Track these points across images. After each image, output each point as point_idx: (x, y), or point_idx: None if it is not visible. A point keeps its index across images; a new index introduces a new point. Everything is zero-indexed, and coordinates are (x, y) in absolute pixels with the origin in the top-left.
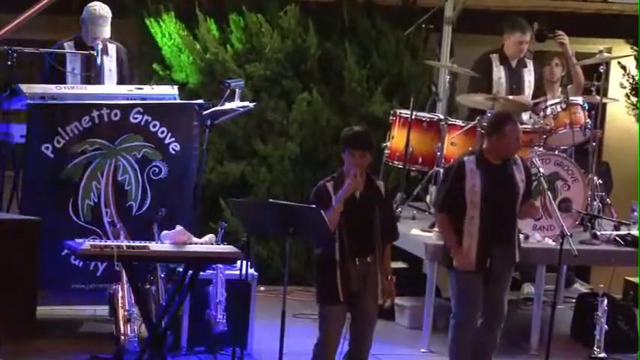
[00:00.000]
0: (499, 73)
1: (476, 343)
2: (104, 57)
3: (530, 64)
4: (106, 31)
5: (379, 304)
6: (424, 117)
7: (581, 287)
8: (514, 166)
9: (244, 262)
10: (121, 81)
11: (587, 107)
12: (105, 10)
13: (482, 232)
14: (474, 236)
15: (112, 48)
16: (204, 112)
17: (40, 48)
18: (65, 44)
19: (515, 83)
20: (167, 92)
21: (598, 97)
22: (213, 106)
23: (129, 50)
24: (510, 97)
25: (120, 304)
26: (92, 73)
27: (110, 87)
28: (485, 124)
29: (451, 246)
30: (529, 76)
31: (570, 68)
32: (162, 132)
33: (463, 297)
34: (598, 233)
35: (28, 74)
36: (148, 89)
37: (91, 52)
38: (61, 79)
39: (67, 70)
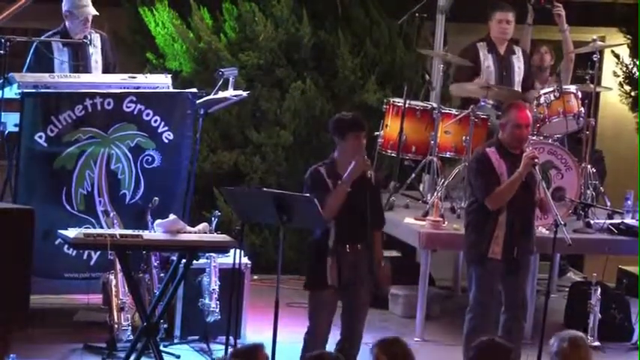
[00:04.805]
0: (487, 62)
1: (504, 337)
2: (90, 48)
3: (519, 51)
4: (92, 9)
5: (373, 292)
6: (417, 106)
7: (574, 276)
8: None
9: (238, 251)
10: (106, 69)
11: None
12: None
13: (509, 222)
14: (502, 226)
15: (97, 38)
16: (198, 101)
17: (32, 37)
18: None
19: (504, 70)
20: (160, 81)
21: (591, 86)
22: (206, 95)
23: (109, 37)
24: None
25: (113, 293)
26: (80, 64)
27: (103, 76)
28: (478, 112)
29: (514, 179)
30: (518, 63)
31: (562, 37)
32: (156, 121)
33: (481, 286)
34: (591, 222)
35: (21, 63)
36: (141, 78)
37: (84, 40)
38: (48, 70)
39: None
